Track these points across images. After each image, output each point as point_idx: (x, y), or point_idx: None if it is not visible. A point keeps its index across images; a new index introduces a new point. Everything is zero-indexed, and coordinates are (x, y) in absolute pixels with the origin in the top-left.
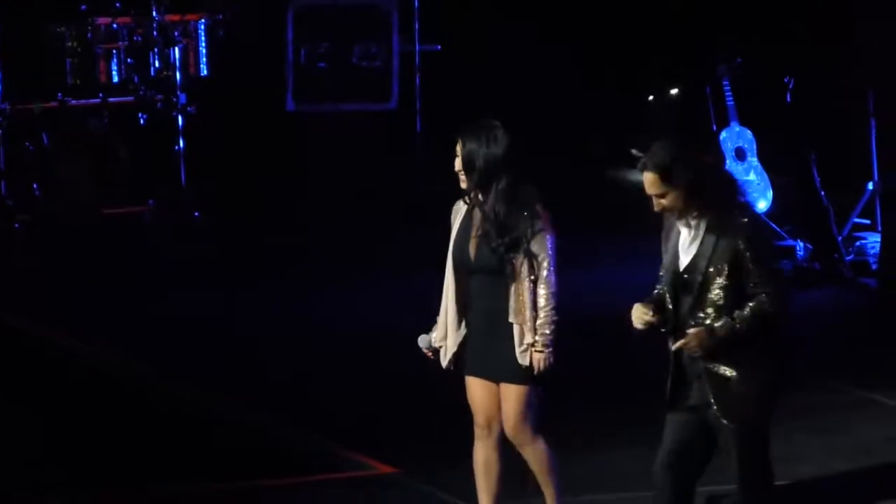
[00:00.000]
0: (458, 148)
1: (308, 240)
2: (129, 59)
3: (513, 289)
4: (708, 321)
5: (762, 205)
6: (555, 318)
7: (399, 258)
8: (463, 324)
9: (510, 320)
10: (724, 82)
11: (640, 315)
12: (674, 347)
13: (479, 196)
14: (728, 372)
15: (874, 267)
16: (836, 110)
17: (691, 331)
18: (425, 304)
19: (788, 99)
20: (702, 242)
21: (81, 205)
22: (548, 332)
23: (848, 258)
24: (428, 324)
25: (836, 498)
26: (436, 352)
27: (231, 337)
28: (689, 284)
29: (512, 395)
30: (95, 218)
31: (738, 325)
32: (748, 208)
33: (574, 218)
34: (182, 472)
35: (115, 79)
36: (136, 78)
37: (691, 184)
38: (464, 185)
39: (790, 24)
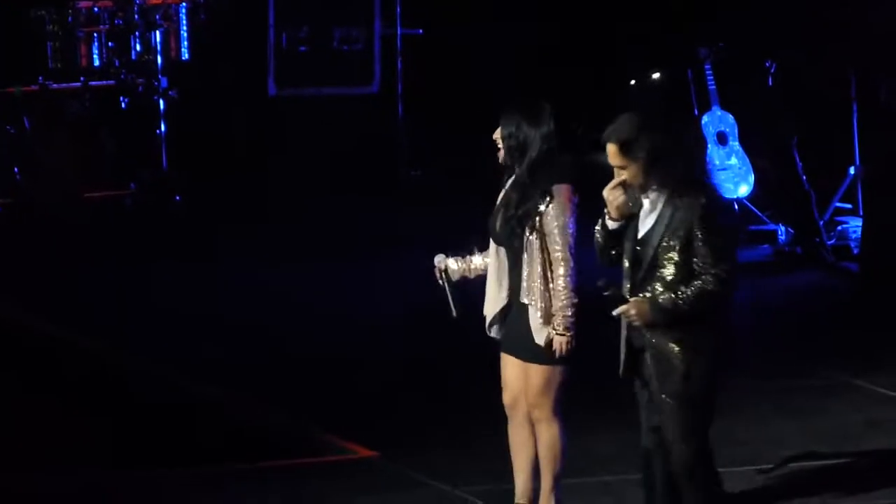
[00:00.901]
0: (501, 121)
1: (290, 224)
2: (110, 43)
3: (525, 266)
4: (654, 294)
5: (743, 189)
6: (574, 300)
7: (381, 241)
8: (505, 298)
9: (522, 299)
10: (706, 66)
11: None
12: (614, 313)
13: (514, 168)
14: (670, 347)
15: (856, 251)
16: (817, 94)
17: (633, 300)
18: (406, 286)
19: (770, 83)
20: (659, 216)
21: (63, 189)
22: (568, 314)
23: (829, 242)
24: (411, 308)
25: (816, 481)
26: (442, 274)
27: (211, 320)
28: (642, 256)
29: (533, 373)
30: (77, 202)
31: (679, 302)
32: (709, 188)
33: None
34: (161, 457)
35: (97, 62)
36: (117, 62)
37: (650, 158)
38: (500, 157)
39: (772, 8)
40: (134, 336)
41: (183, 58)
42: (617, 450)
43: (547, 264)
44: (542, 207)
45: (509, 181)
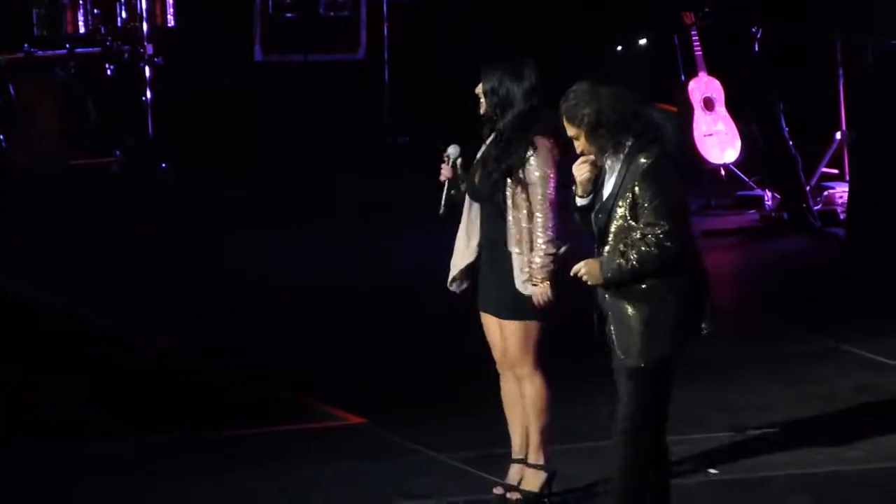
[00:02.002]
0: (483, 75)
1: (275, 190)
2: (95, 10)
3: (511, 217)
4: (607, 250)
5: (730, 155)
6: (551, 251)
7: (366, 207)
8: (473, 253)
9: (510, 248)
10: (692, 32)
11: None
12: (571, 272)
13: (496, 123)
14: (628, 312)
15: (842, 216)
16: (804, 60)
17: (589, 266)
18: (391, 252)
19: (756, 49)
20: (613, 182)
21: (49, 156)
22: (545, 264)
23: (816, 208)
24: (396, 273)
25: (802, 446)
26: (454, 166)
27: (197, 289)
28: (601, 223)
29: (511, 328)
30: (63, 169)
31: (625, 263)
32: (654, 148)
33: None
34: (149, 424)
35: (82, 30)
36: (102, 29)
37: (593, 121)
38: (481, 111)
39: None
40: (117, 303)
41: (169, 24)
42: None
43: (529, 215)
44: (526, 158)
45: (490, 136)
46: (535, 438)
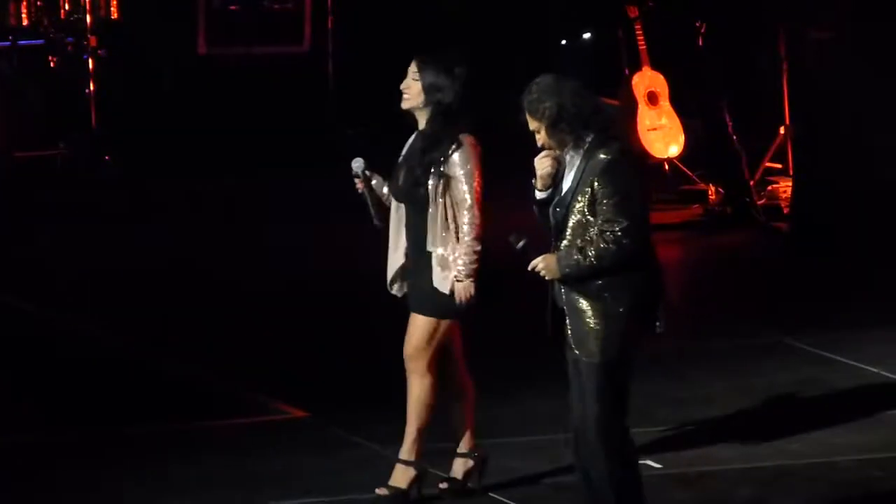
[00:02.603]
0: (412, 68)
1: (219, 183)
2: (38, 2)
3: (430, 215)
4: (566, 244)
5: (674, 149)
6: (476, 248)
7: (313, 201)
8: (402, 256)
9: (429, 247)
10: (636, 26)
11: (538, 167)
12: (529, 267)
13: (421, 120)
14: (584, 308)
15: (786, 211)
16: (747, 54)
17: (545, 262)
18: (337, 246)
19: (700, 43)
20: (573, 176)
21: None
22: (469, 261)
23: (760, 202)
24: (341, 267)
25: (748, 440)
26: (364, 178)
27: (139, 279)
28: (559, 217)
29: (419, 323)
30: (6, 161)
31: (583, 259)
32: (613, 144)
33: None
34: (96, 416)
35: (25, 21)
36: (46, 20)
37: (554, 115)
38: (405, 105)
39: None
40: (62, 295)
41: (112, 17)
42: (550, 410)
43: (451, 211)
44: (449, 154)
45: (414, 132)
46: (411, 435)
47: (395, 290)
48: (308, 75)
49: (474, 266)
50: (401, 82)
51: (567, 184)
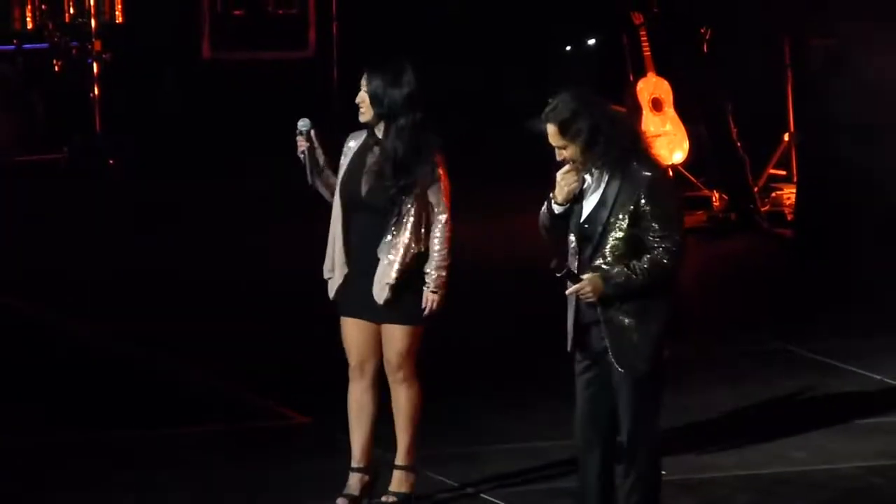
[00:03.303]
0: (363, 81)
1: (223, 188)
2: (43, 6)
3: (393, 227)
4: (607, 263)
5: (678, 155)
6: (448, 260)
7: (316, 205)
8: (350, 259)
9: (383, 255)
10: (641, 32)
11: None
12: (568, 292)
13: (378, 132)
14: (624, 320)
15: (789, 218)
16: (752, 61)
17: (587, 276)
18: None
19: (705, 49)
20: (604, 193)
21: None
22: (442, 273)
23: (763, 209)
24: None
25: (748, 447)
26: (308, 138)
27: (144, 286)
28: (590, 234)
29: (396, 335)
30: (9, 165)
31: (634, 276)
32: (651, 160)
33: (493, 167)
34: (96, 420)
35: (30, 25)
36: (50, 24)
37: (590, 136)
38: (363, 119)
39: None
40: (67, 299)
41: (117, 21)
42: (549, 418)
43: (421, 225)
44: (429, 178)
45: (374, 144)
46: (407, 441)
47: (339, 296)
48: (312, 81)
49: (445, 279)
50: (371, 80)
51: (595, 199)
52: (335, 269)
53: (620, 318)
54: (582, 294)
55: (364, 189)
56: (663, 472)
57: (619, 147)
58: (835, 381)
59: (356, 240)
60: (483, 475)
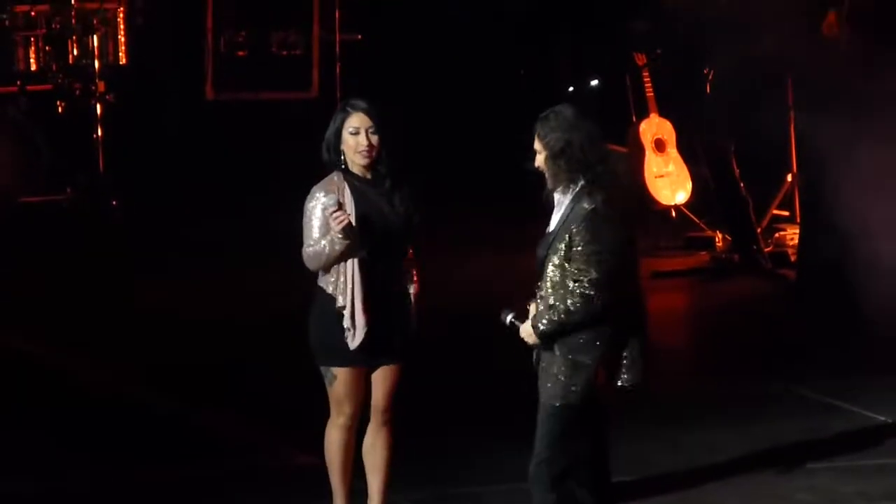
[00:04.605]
0: (366, 122)
1: (226, 227)
2: (47, 47)
3: (407, 264)
4: (542, 294)
5: (681, 196)
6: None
7: None
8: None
9: (407, 288)
10: (644, 73)
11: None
12: (520, 335)
13: (377, 173)
14: (553, 356)
15: (793, 259)
16: (755, 102)
17: (524, 329)
18: None
19: (708, 90)
20: (558, 219)
21: None
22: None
23: (766, 249)
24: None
25: (751, 488)
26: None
27: (150, 322)
28: (540, 258)
29: (396, 374)
30: (13, 206)
31: (553, 315)
32: (599, 195)
33: (495, 204)
34: (106, 460)
35: (34, 66)
36: (54, 66)
37: (558, 148)
38: (365, 162)
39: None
40: (73, 340)
41: (120, 62)
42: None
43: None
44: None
45: (377, 186)
46: (386, 486)
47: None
48: (316, 121)
49: None
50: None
51: (552, 225)
52: (361, 318)
53: (550, 349)
54: (524, 343)
55: (390, 229)
56: None
57: (582, 171)
58: (838, 422)
59: (378, 286)
60: None
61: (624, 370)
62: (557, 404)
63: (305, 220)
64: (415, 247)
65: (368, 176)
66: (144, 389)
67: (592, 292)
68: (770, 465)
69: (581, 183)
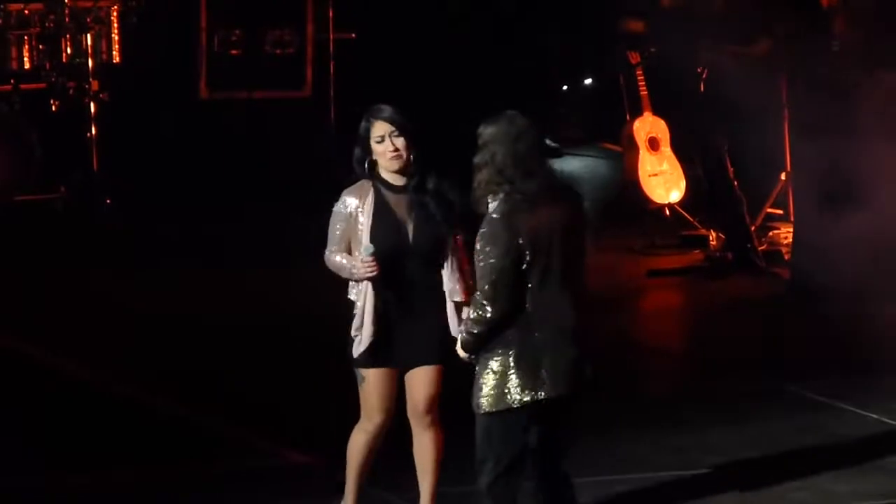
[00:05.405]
0: (388, 127)
1: (220, 226)
2: (40, 46)
3: (451, 267)
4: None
5: (675, 195)
6: None
7: (314, 245)
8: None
9: (456, 299)
10: (638, 72)
11: None
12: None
13: (411, 177)
14: (478, 361)
15: (787, 257)
16: (748, 100)
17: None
18: (341, 290)
19: (702, 89)
20: None
21: None
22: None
23: (761, 248)
24: (344, 312)
25: (746, 487)
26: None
27: (141, 323)
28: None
29: (438, 374)
30: (7, 204)
31: (464, 332)
32: (505, 202)
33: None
34: (97, 460)
35: (27, 65)
36: (47, 64)
37: (479, 161)
38: (398, 166)
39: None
40: (67, 340)
41: (114, 61)
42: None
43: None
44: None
45: (397, 192)
46: (434, 488)
47: (381, 352)
48: (310, 120)
49: None
50: (405, 126)
51: None
52: (374, 325)
53: (476, 359)
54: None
55: (412, 237)
56: None
57: (503, 184)
58: (833, 421)
59: (403, 288)
60: None
61: (543, 381)
62: (481, 412)
63: (330, 222)
64: (465, 241)
65: (402, 182)
66: (139, 389)
67: (485, 301)
68: (766, 463)
69: (501, 195)
